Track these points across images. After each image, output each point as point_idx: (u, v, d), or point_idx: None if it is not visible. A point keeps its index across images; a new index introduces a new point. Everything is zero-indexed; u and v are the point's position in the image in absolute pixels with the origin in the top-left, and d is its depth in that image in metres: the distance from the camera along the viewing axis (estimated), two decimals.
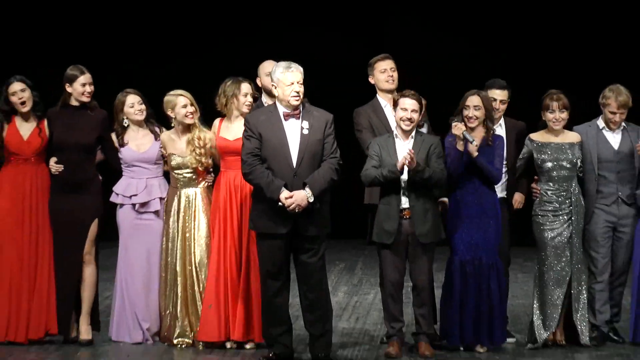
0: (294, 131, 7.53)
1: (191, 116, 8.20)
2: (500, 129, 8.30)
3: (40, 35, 13.60)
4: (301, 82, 7.57)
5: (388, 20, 13.94)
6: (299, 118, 7.58)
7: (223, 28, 14.01)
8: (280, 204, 7.36)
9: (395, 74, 8.48)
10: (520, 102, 8.70)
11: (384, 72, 8.41)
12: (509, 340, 8.23)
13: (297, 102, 7.53)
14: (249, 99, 8.09)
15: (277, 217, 7.47)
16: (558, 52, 13.42)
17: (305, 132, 7.53)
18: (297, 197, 7.37)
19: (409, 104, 7.82)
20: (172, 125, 8.35)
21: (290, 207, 7.35)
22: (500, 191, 8.08)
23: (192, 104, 8.26)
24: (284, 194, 7.34)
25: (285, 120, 7.52)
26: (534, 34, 13.56)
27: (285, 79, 7.52)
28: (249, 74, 8.70)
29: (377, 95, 8.35)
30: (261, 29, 13.64)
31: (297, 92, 7.52)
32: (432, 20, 13.80)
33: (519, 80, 9.67)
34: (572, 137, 8.10)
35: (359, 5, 13.86)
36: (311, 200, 7.39)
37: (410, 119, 7.79)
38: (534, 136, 8.06)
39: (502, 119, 8.30)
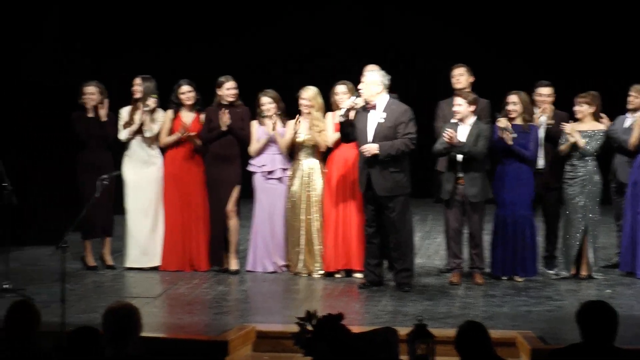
0: (373, 119, 8.92)
1: (307, 109, 9.59)
2: None
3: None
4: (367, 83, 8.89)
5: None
6: (376, 109, 8.94)
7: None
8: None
9: (462, 78, 9.65)
10: None
11: (453, 77, 9.70)
12: (539, 272, 9.47)
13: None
14: (341, 97, 9.29)
15: (361, 180, 8.96)
16: (562, 49, 13.66)
17: (382, 120, 8.89)
18: (367, 146, 8.83)
19: (455, 101, 9.31)
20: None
21: (364, 151, 8.81)
22: None
23: (308, 100, 9.51)
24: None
25: (367, 111, 9.05)
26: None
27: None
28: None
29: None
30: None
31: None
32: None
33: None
34: None
35: None
36: (376, 152, 8.75)
37: (456, 112, 9.25)
38: None
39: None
